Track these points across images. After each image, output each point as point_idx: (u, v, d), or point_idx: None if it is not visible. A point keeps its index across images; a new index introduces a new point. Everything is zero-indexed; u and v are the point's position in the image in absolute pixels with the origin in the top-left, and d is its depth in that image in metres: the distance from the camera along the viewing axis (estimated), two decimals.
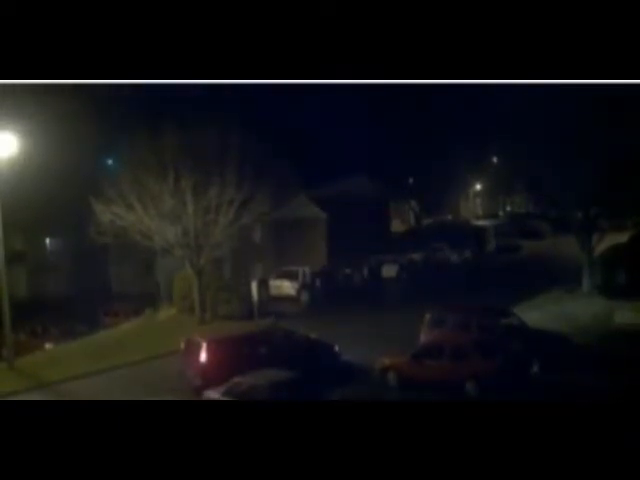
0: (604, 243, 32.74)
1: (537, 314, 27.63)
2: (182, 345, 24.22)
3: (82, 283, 49.33)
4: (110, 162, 46.17)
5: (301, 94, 46.93)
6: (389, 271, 44.30)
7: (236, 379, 19.32)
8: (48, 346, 35.02)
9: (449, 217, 78.79)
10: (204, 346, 22.52)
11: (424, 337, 24.06)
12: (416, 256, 48.10)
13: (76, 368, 26.43)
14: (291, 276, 38.86)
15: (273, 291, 38.80)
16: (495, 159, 71.40)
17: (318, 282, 38.98)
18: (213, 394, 19.40)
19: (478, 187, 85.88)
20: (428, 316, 24.74)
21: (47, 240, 53.92)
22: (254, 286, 33.51)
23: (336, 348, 24.38)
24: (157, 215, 31.99)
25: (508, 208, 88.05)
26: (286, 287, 38.65)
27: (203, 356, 22.38)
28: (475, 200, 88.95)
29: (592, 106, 27.45)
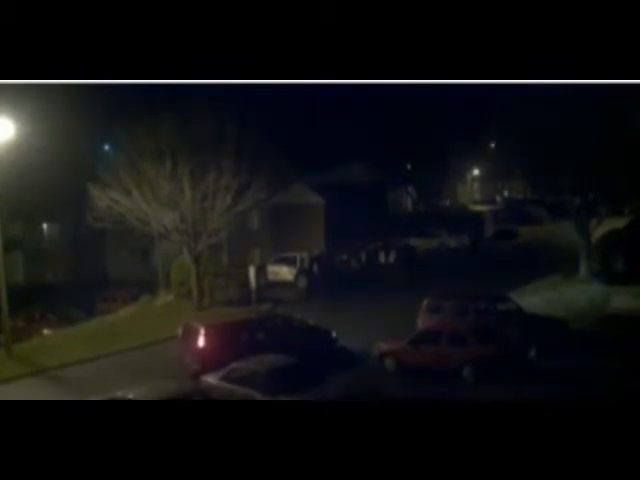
0: (602, 229, 32.75)
1: (534, 299, 27.65)
2: (180, 331, 24.24)
3: (79, 269, 49.33)
4: (107, 148, 46.04)
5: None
6: (386, 257, 44.29)
7: (234, 364, 19.32)
8: (46, 332, 35.05)
9: (447, 203, 78.77)
10: (202, 331, 22.54)
11: (422, 323, 24.09)
12: (413, 242, 48.15)
13: (74, 354, 26.45)
14: (289, 262, 38.88)
15: (271, 277, 38.82)
16: (493, 144, 71.32)
17: (316, 268, 38.98)
18: (211, 379, 19.42)
19: (476, 172, 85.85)
20: (425, 302, 24.76)
21: (44, 226, 53.85)
22: (252, 272, 33.51)
23: (333, 334, 24.41)
24: (154, 201, 31.93)
25: (506, 193, 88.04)
26: (284, 273, 38.66)
27: (201, 341, 22.40)
28: (473, 185, 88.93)
29: (591, 91, 27.35)
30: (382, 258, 44.25)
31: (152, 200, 31.83)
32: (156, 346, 27.16)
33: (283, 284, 37.87)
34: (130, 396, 16.48)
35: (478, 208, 69.24)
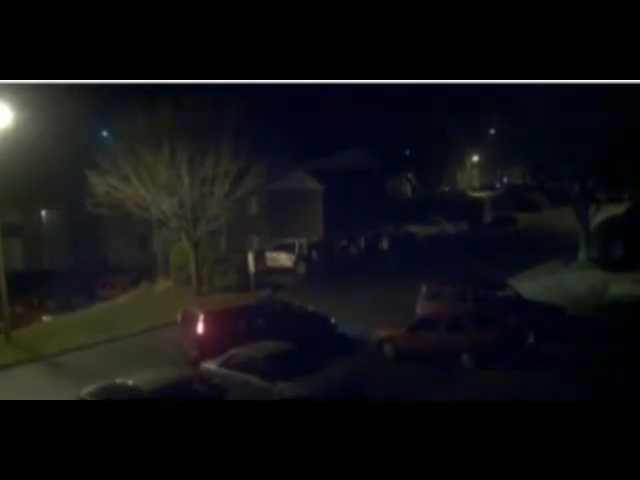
0: (601, 215, 32.74)
1: (533, 286, 27.71)
2: (179, 317, 24.26)
3: (78, 255, 49.30)
4: (106, 133, 45.87)
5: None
6: (386, 243, 44.34)
7: (233, 350, 19.37)
8: (45, 318, 35.09)
9: (446, 189, 78.69)
10: (201, 318, 22.56)
11: (420, 309, 24.14)
12: (412, 228, 48.16)
13: (74, 340, 26.50)
14: (288, 248, 38.90)
15: (270, 263, 38.87)
16: (493, 131, 71.19)
17: (315, 254, 39.01)
18: (210, 365, 19.48)
19: (475, 159, 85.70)
20: (424, 288, 24.80)
21: (43, 212, 53.74)
22: (251, 258, 33.54)
23: (333, 320, 24.45)
24: (153, 187, 31.87)
25: (505, 180, 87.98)
26: (283, 259, 38.70)
27: (200, 328, 22.42)
28: (472, 171, 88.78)
29: (591, 91, 27.22)
30: (381, 244, 44.30)
31: (151, 186, 31.78)
32: (155, 332, 27.22)
33: (282, 270, 37.91)
34: (130, 382, 16.53)
35: (477, 194, 69.24)
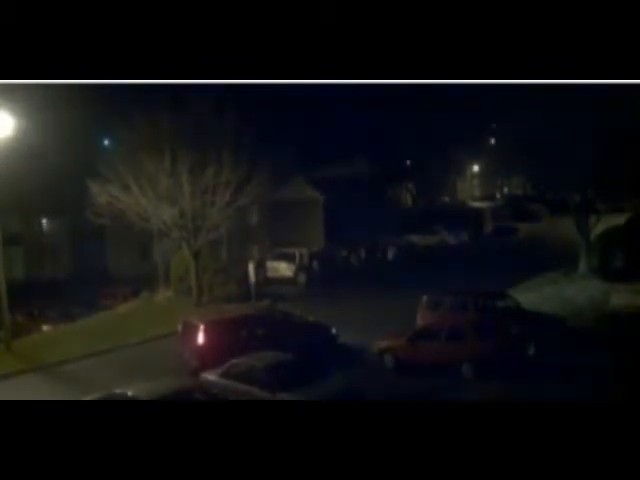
0: (601, 225, 32.73)
1: (533, 296, 27.65)
2: (179, 327, 24.24)
3: (79, 265, 49.29)
4: (106, 142, 45.95)
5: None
6: (386, 253, 44.35)
7: (233, 361, 19.35)
8: (46, 328, 35.04)
9: (446, 199, 78.75)
10: (201, 328, 22.53)
11: (421, 319, 24.13)
12: (413, 238, 48.19)
13: (74, 350, 26.46)
14: (288, 258, 38.90)
15: (270, 273, 38.87)
16: (493, 140, 71.32)
17: (315, 264, 39.01)
18: (210, 376, 19.45)
19: (476, 169, 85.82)
20: (425, 298, 24.79)
21: (44, 221, 53.76)
22: (251, 268, 33.54)
23: (333, 330, 24.42)
24: (154, 197, 31.88)
25: (505, 190, 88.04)
26: (283, 269, 38.70)
27: (200, 338, 22.38)
28: (472, 182, 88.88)
29: (591, 91, 27.28)
30: (382, 254, 44.31)
31: (152, 196, 31.79)
32: (156, 342, 27.18)
33: (283, 280, 37.90)
34: (129, 393, 16.48)
35: (478, 204, 69.29)
